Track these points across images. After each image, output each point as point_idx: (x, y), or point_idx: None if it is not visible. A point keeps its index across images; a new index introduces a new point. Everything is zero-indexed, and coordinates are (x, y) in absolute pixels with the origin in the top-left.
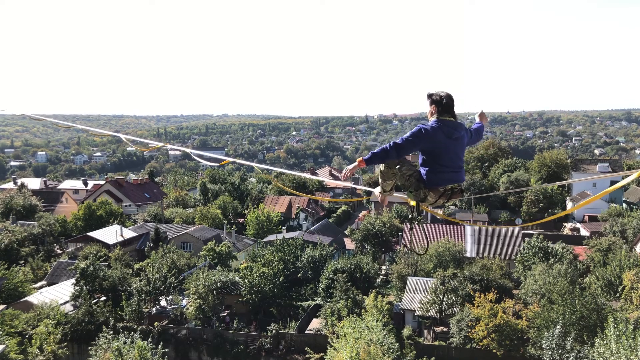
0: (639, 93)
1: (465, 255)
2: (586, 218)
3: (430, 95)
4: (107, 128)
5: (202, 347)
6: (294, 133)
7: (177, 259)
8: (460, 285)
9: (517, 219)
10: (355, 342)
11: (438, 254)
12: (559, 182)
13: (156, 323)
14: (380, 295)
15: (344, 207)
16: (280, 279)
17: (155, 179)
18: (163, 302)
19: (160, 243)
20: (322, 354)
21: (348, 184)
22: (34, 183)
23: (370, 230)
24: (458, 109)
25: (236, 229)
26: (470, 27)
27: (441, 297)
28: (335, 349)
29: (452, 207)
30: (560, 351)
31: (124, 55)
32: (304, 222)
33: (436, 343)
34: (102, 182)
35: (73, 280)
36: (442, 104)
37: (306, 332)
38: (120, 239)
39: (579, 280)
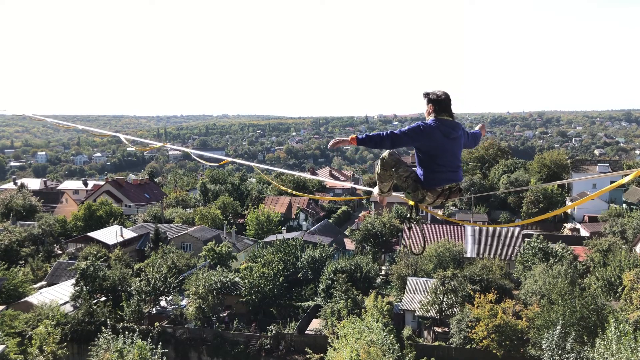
0: (639, 93)
1: (465, 255)
2: (586, 218)
3: (427, 95)
4: (107, 128)
5: (202, 347)
6: (294, 133)
7: (177, 260)
8: (460, 285)
9: (516, 219)
10: (356, 342)
11: (438, 255)
12: (557, 182)
13: (156, 323)
14: (380, 296)
15: (343, 208)
16: (280, 280)
17: (155, 180)
18: (163, 303)
19: (160, 243)
20: (322, 355)
21: (348, 184)
22: (34, 183)
23: (370, 231)
24: (458, 109)
25: (236, 230)
26: (470, 27)
27: (441, 298)
28: (335, 349)
29: (452, 208)
30: (560, 352)
31: (124, 56)
32: (304, 223)
33: (436, 343)
34: (102, 183)
35: (73, 281)
36: (440, 103)
37: (306, 332)
38: (120, 239)
39: (579, 280)
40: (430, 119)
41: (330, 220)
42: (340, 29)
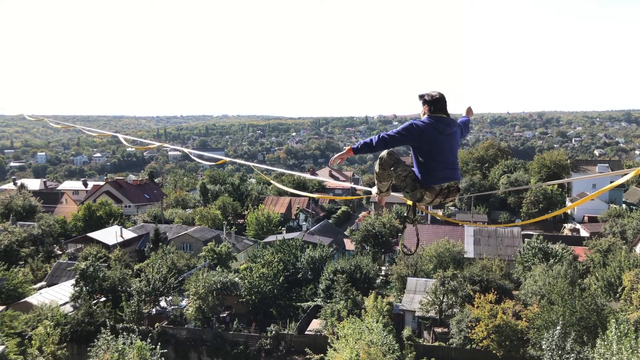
0: (639, 94)
1: (465, 256)
2: (586, 219)
3: (422, 96)
4: (107, 129)
5: (202, 347)
6: (293, 134)
7: (177, 260)
8: (460, 286)
9: (516, 220)
10: (356, 343)
11: (438, 255)
12: (557, 181)
13: (156, 324)
14: (380, 296)
15: (343, 208)
16: (280, 280)
17: (155, 180)
18: (163, 303)
19: (160, 244)
20: (322, 355)
21: (347, 184)
22: (34, 184)
23: (370, 231)
24: (458, 110)
25: (236, 230)
26: (470, 27)
27: (441, 298)
28: (335, 349)
29: (452, 208)
30: (560, 352)
31: (124, 56)
32: (304, 223)
33: (436, 344)
34: (101, 183)
35: (73, 281)
36: (435, 103)
37: (306, 332)
38: (120, 239)
39: (579, 281)
40: (424, 117)
41: (330, 221)
42: (340, 29)
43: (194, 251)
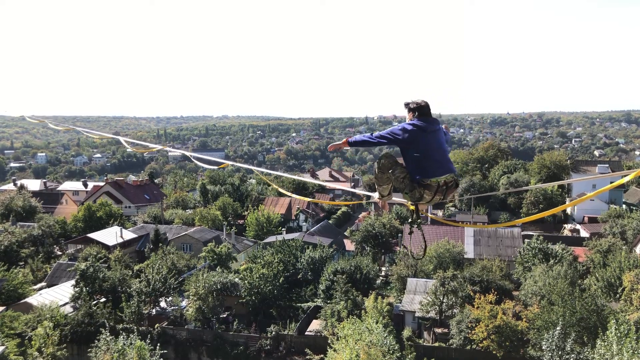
0: (639, 94)
1: (465, 256)
2: (586, 219)
3: (407, 104)
4: (107, 129)
5: (202, 348)
6: (293, 134)
7: (177, 260)
8: (460, 286)
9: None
10: (356, 343)
11: (438, 255)
12: (556, 182)
13: (156, 324)
14: (380, 297)
15: (343, 209)
16: (280, 280)
17: (155, 180)
18: (163, 304)
19: (160, 244)
20: (322, 356)
21: (347, 186)
22: (34, 184)
23: (370, 232)
24: (458, 110)
25: (236, 230)
26: (470, 27)
27: (441, 299)
28: (335, 350)
29: (452, 209)
30: (560, 352)
31: (124, 57)
32: (304, 224)
33: (436, 344)
34: (101, 184)
35: (73, 282)
36: (420, 110)
37: (306, 333)
38: (120, 240)
39: (579, 281)
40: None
41: (330, 221)
42: (340, 29)
43: (194, 252)
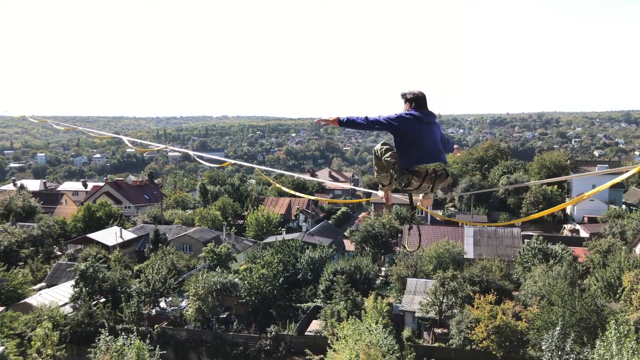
0: (639, 94)
1: (465, 256)
2: (586, 219)
3: (404, 95)
4: (107, 129)
5: (202, 348)
6: (293, 134)
7: (177, 261)
8: (460, 286)
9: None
10: (355, 343)
11: (438, 256)
12: (556, 179)
13: (156, 325)
14: (379, 297)
15: (343, 209)
16: (280, 281)
17: (155, 181)
18: (163, 304)
19: (160, 244)
20: (321, 356)
21: (347, 185)
22: (34, 184)
23: (370, 232)
24: (458, 111)
25: (236, 231)
26: (470, 28)
27: (441, 299)
28: (335, 350)
29: (452, 209)
30: (559, 353)
31: (124, 57)
32: (304, 224)
33: (436, 344)
34: (101, 184)
35: (72, 282)
36: (416, 100)
37: (306, 333)
38: (119, 240)
39: (579, 281)
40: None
41: (329, 222)
42: (340, 29)
43: (193, 252)
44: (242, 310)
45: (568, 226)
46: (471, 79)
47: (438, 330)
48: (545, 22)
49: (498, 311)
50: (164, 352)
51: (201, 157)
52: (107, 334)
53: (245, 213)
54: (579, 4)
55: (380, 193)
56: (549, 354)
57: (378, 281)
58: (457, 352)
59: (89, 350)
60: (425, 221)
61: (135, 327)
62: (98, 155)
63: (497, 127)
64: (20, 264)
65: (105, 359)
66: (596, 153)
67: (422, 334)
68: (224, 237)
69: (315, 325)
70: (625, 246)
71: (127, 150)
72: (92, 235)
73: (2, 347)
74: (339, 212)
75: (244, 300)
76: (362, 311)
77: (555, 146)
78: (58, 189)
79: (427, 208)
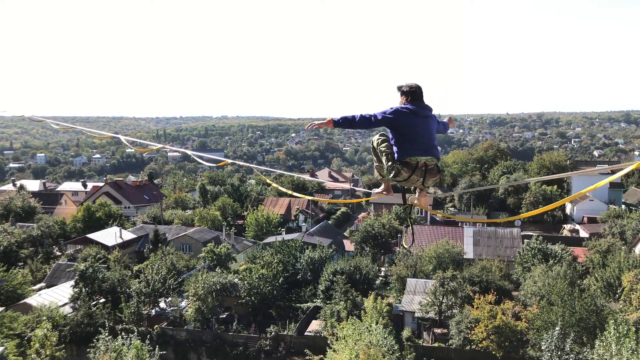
0: (638, 94)
1: (465, 256)
2: (585, 219)
3: (400, 87)
4: (107, 130)
5: (202, 348)
6: (293, 135)
7: (177, 261)
8: (460, 286)
9: (516, 221)
10: (355, 344)
11: (437, 256)
12: (555, 176)
13: (155, 325)
14: (379, 297)
15: (343, 209)
16: (280, 281)
17: (155, 181)
18: (162, 304)
19: (160, 245)
20: (321, 356)
21: (347, 186)
22: (33, 185)
23: (370, 232)
24: (458, 111)
25: (235, 231)
26: (470, 28)
27: (440, 299)
28: (334, 350)
29: (452, 209)
30: (559, 353)
31: (124, 57)
32: (304, 224)
33: (435, 345)
34: (101, 184)
35: (72, 282)
36: (412, 94)
37: (305, 333)
38: (119, 240)
39: (578, 281)
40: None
41: (329, 222)
42: (340, 29)
43: (193, 252)
44: (241, 311)
45: (568, 226)
46: (471, 79)
47: (438, 331)
48: (545, 22)
49: (498, 311)
50: (164, 352)
51: (200, 157)
52: (106, 334)
53: (245, 213)
54: (579, 4)
55: (379, 189)
56: (549, 354)
57: (378, 281)
58: (456, 352)
59: (88, 350)
60: (425, 221)
61: (135, 328)
62: (98, 156)
63: (497, 127)
64: (20, 264)
65: (105, 359)
66: (596, 153)
67: (421, 334)
68: (223, 238)
69: (315, 326)
70: (625, 246)
71: (127, 150)
72: (91, 236)
73: (2, 348)
74: (338, 212)
75: (243, 301)
76: (362, 311)
77: (555, 146)
78: (57, 189)
79: (427, 207)
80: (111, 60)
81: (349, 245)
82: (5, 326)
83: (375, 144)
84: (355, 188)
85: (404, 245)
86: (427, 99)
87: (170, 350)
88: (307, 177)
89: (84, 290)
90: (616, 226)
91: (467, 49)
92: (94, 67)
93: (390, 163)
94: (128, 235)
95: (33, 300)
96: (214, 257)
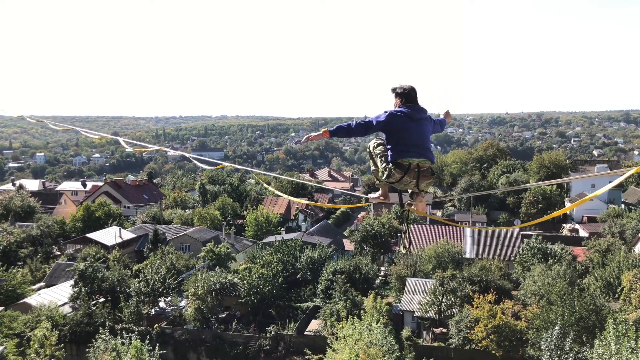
0: (638, 94)
1: (464, 256)
2: (585, 219)
3: (394, 89)
4: (106, 129)
5: (201, 348)
6: (292, 134)
7: (176, 261)
8: (459, 286)
9: (515, 220)
10: (355, 343)
11: (437, 255)
12: (555, 181)
13: (155, 325)
14: (379, 297)
15: (342, 209)
16: (279, 280)
17: (154, 180)
18: (162, 304)
19: (159, 244)
20: (321, 355)
21: (347, 185)
22: (33, 184)
23: (369, 232)
24: (457, 110)
25: (235, 230)
26: (470, 27)
27: (440, 298)
28: (334, 350)
29: (451, 209)
30: (559, 352)
31: (123, 56)
32: (303, 223)
33: (435, 344)
34: (100, 184)
35: (72, 282)
36: (406, 95)
37: (305, 333)
38: (119, 240)
39: (578, 281)
40: (398, 107)
41: (329, 221)
42: (340, 29)
43: (193, 252)
44: (241, 310)
45: (567, 226)
46: (471, 79)
47: (437, 330)
48: (544, 21)
49: (497, 311)
50: (164, 351)
51: (197, 159)
52: (106, 333)
53: (245, 213)
54: (579, 4)
55: (377, 194)
56: (548, 354)
57: (377, 281)
58: (456, 352)
59: (87, 350)
60: (425, 221)
61: (134, 327)
62: (97, 155)
63: (497, 126)
64: (19, 263)
65: (104, 358)
66: (595, 152)
67: (421, 333)
68: (223, 237)
69: (314, 325)
70: (625, 246)
71: (126, 150)
72: (91, 235)
73: (2, 347)
74: (338, 212)
75: (243, 300)
76: (362, 311)
77: (554, 146)
78: (57, 188)
79: (424, 213)
80: (111, 60)
81: (348, 245)
82: (5, 326)
83: (371, 148)
84: (353, 193)
85: (402, 247)
86: (427, 99)
87: (170, 349)
88: (306, 176)
89: (83, 289)
90: (616, 226)
91: (467, 49)
92: (94, 67)
93: (384, 165)
94: (127, 234)
95: (32, 299)
96: (214, 256)
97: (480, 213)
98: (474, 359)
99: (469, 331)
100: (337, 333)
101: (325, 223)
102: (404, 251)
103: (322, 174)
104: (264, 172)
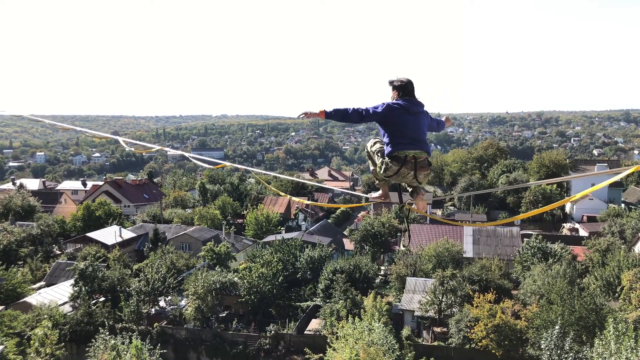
0: (638, 93)
1: (464, 255)
2: (585, 218)
3: (391, 82)
4: (106, 128)
5: (201, 347)
6: (292, 134)
7: (176, 260)
8: (459, 285)
9: (515, 220)
10: (355, 342)
11: (437, 255)
12: (555, 179)
13: (155, 324)
14: (379, 296)
15: (343, 208)
16: (279, 280)
17: (154, 180)
18: (162, 303)
19: (159, 244)
20: (321, 355)
21: (347, 184)
22: (33, 184)
23: (369, 231)
24: (457, 110)
25: (235, 230)
26: (470, 27)
27: (440, 298)
28: (334, 349)
29: (451, 208)
30: (559, 351)
31: (123, 56)
32: (303, 223)
33: (435, 343)
34: (100, 183)
35: (72, 281)
36: (403, 89)
37: (305, 332)
38: (119, 239)
39: (578, 280)
40: (395, 100)
41: (329, 221)
42: (340, 28)
43: (193, 251)
44: (241, 309)
45: (567, 225)
46: (471, 78)
47: (437, 329)
48: (544, 21)
49: (497, 310)
50: (164, 351)
51: (197, 159)
52: (106, 333)
53: (245, 212)
54: (579, 3)
55: (373, 195)
56: (548, 353)
57: (377, 280)
58: (456, 351)
59: (87, 349)
60: (425, 220)
61: (134, 326)
62: (97, 154)
63: (497, 126)
64: (20, 263)
65: (104, 358)
66: (595, 152)
67: (421, 333)
68: (223, 236)
69: (314, 324)
70: (625, 245)
71: (126, 149)
72: (91, 235)
73: (2, 347)
74: (338, 211)
75: (243, 299)
76: (362, 310)
77: (554, 145)
78: (57, 188)
79: (424, 212)
80: (111, 59)
81: (348, 244)
82: (5, 325)
83: (369, 147)
84: (353, 192)
85: (403, 245)
86: (427, 99)
87: (170, 349)
88: (306, 176)
89: (83, 289)
90: (616, 225)
91: (467, 48)
92: (94, 66)
93: (380, 159)
94: (128, 234)
95: (33, 299)
96: (214, 256)
97: (480, 212)
98: (474, 358)
99: (469, 330)
100: (337, 332)
101: (325, 222)
102: (403, 248)
103: (322, 173)
104: (264, 172)
